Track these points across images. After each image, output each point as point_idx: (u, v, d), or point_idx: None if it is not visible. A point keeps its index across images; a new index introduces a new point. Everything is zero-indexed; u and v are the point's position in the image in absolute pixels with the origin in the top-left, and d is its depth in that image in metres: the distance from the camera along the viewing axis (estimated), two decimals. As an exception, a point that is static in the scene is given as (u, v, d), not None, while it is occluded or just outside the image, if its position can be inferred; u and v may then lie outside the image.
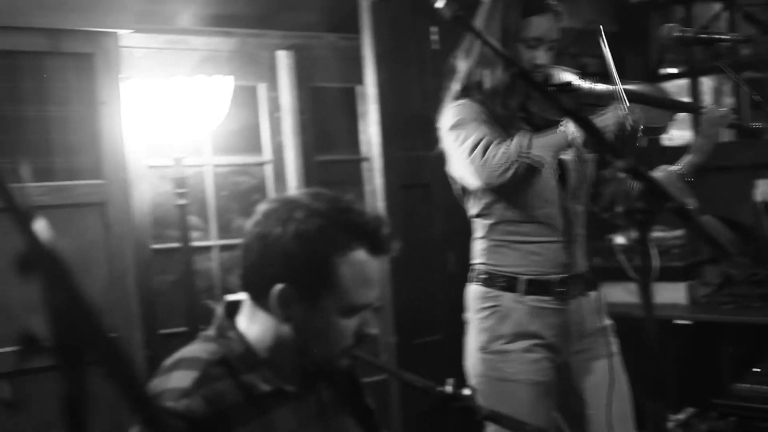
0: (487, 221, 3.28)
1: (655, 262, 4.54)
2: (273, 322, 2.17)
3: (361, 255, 2.14)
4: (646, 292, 2.01)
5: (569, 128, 3.02)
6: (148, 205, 4.37)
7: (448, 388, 2.29)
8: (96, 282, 3.99)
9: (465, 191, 3.31)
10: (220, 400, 2.09)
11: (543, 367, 3.19)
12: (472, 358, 3.26)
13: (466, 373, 3.26)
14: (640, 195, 1.95)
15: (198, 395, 2.07)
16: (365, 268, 2.15)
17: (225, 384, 2.12)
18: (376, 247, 2.17)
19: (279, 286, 2.11)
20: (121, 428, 2.13)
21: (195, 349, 2.20)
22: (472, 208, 3.33)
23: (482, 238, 3.30)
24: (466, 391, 2.30)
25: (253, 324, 2.20)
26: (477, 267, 3.30)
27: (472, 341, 3.26)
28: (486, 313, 3.22)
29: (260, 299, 2.17)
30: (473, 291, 3.29)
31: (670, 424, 2.46)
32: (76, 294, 1.06)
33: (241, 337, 2.20)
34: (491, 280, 3.23)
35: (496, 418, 2.30)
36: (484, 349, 3.22)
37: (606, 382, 3.21)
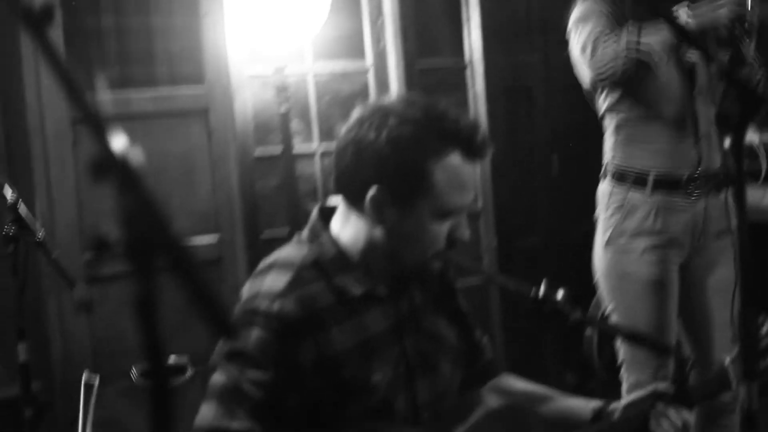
0: (615, 119, 3.28)
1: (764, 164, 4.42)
2: (366, 225, 2.20)
3: (455, 159, 2.15)
4: (740, 196, 1.97)
5: (681, 15, 2.98)
6: (250, 111, 4.43)
7: (540, 292, 2.29)
8: (200, 187, 4.09)
9: (594, 89, 3.30)
10: (313, 302, 2.14)
11: (665, 266, 3.19)
12: (597, 255, 3.29)
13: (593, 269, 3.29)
14: (735, 97, 1.91)
15: (291, 297, 2.12)
16: (459, 173, 2.16)
17: (317, 286, 2.17)
18: (471, 152, 2.17)
19: (373, 189, 2.14)
20: (191, 334, 2.20)
21: (288, 252, 2.25)
22: (601, 105, 3.33)
23: (611, 135, 3.31)
24: (559, 295, 2.30)
25: (346, 227, 2.24)
26: (607, 164, 3.32)
27: (599, 238, 3.29)
28: (613, 209, 3.24)
29: (354, 202, 2.20)
30: (602, 188, 3.30)
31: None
32: (147, 199, 1.09)
33: (333, 241, 2.23)
34: (620, 177, 3.25)
35: (587, 322, 2.30)
36: (608, 245, 3.23)
37: (730, 282, 3.19)
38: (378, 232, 2.19)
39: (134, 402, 3.56)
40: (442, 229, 2.20)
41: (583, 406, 2.37)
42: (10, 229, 2.92)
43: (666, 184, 3.18)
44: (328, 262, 2.20)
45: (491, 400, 2.31)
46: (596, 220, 3.33)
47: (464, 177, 2.17)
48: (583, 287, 4.54)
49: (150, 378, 1.13)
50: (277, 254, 2.26)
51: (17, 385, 2.94)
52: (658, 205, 3.18)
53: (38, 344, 3.88)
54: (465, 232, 2.24)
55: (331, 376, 2.14)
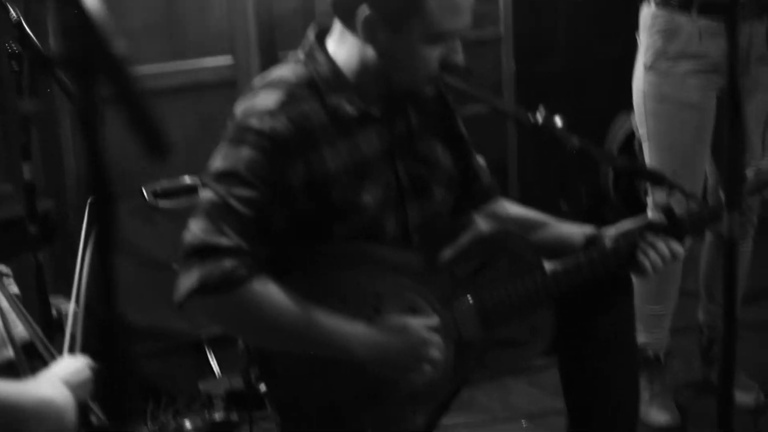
0: None
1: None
2: (359, 44, 2.16)
3: None
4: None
5: None
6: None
7: (539, 118, 2.27)
8: (214, 5, 4.03)
9: None
10: (305, 121, 2.13)
11: (706, 92, 3.13)
12: (637, 77, 3.22)
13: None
14: None
15: (283, 115, 2.11)
16: None
17: (310, 105, 2.15)
18: None
19: (364, 9, 2.10)
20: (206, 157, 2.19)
21: (283, 70, 2.23)
22: None
23: None
24: (558, 122, 2.27)
25: (341, 47, 2.21)
26: None
27: (640, 60, 3.22)
28: (656, 32, 3.16)
29: (347, 22, 2.17)
30: (646, 11, 3.21)
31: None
32: (88, 16, 1.07)
33: (329, 60, 2.20)
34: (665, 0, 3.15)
35: (586, 149, 2.26)
36: (650, 68, 3.17)
37: (766, 108, 3.14)
38: (369, 52, 2.16)
39: (146, 221, 3.60)
40: (435, 53, 2.16)
41: (577, 232, 2.37)
42: (14, 47, 2.90)
43: (712, 7, 3.08)
44: (323, 81, 2.18)
45: (482, 225, 2.30)
46: (638, 43, 3.25)
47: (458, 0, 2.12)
48: (604, 114, 4.52)
49: (93, 198, 1.13)
50: (272, 73, 2.24)
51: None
52: (702, 29, 3.10)
53: (51, 164, 3.91)
54: (458, 57, 2.20)
55: (320, 195, 2.14)
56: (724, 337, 1.83)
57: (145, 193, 3.73)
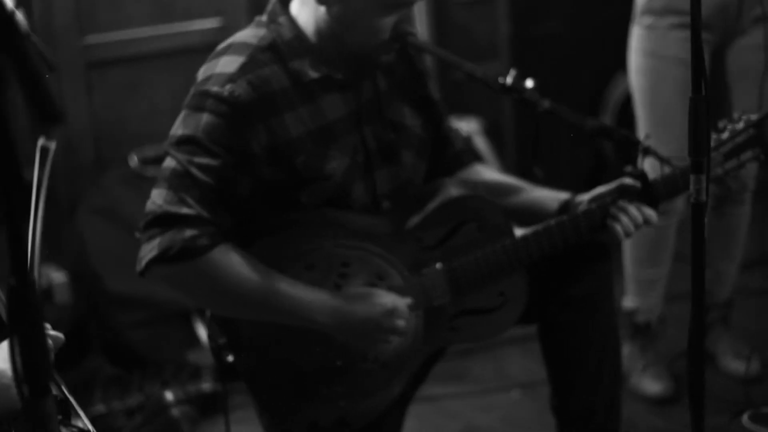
0: None
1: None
2: (316, 7, 2.11)
3: None
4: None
5: None
6: None
7: (509, 79, 2.21)
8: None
9: None
10: (267, 85, 2.07)
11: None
12: (631, 34, 3.13)
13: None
14: None
15: (243, 80, 2.06)
16: None
17: (272, 69, 2.10)
18: None
19: None
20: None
21: (245, 34, 2.17)
22: None
23: None
24: (528, 83, 2.22)
25: (303, 10, 2.15)
26: None
27: (634, 16, 3.13)
28: None
29: None
30: None
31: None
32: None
33: (292, 23, 2.15)
34: None
35: (555, 111, 2.20)
36: (636, 22, 3.09)
37: (758, 68, 3.04)
38: (324, 16, 2.10)
39: (132, 188, 3.55)
40: (387, 20, 2.13)
41: (551, 198, 2.31)
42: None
43: None
44: (285, 45, 2.12)
45: (452, 190, 2.24)
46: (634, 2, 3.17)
47: None
48: (601, 76, 4.43)
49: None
50: (234, 37, 2.18)
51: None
52: None
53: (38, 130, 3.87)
54: (412, 27, 2.15)
55: (284, 162, 2.09)
56: (692, 309, 1.77)
57: (131, 160, 3.69)
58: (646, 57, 3.06)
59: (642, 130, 3.12)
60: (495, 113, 4.34)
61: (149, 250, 2.01)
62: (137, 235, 2.07)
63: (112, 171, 3.71)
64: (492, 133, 4.31)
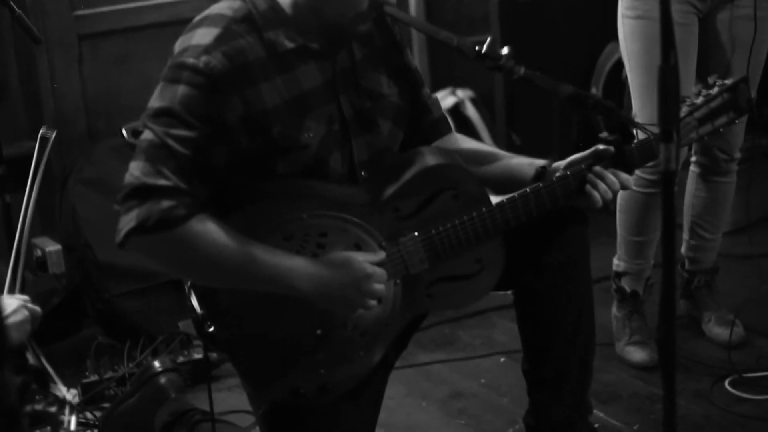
0: None
1: None
2: None
3: None
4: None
5: None
6: None
7: (484, 47, 2.22)
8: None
9: None
10: (242, 56, 2.09)
11: (683, 10, 3.02)
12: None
13: None
14: None
15: (218, 51, 2.07)
16: None
17: (247, 40, 2.11)
18: None
19: None
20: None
21: (221, 6, 2.18)
22: None
23: None
24: (503, 51, 2.23)
25: None
26: None
27: None
28: None
29: None
30: None
31: None
32: None
33: None
34: None
35: (529, 78, 2.21)
36: None
37: (750, 35, 3.04)
38: None
39: (124, 160, 3.57)
40: None
41: (528, 165, 2.32)
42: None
43: None
44: (260, 16, 2.14)
45: (429, 159, 2.26)
46: None
47: None
48: (592, 45, 4.43)
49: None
50: (209, 9, 2.19)
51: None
52: None
53: (30, 104, 3.90)
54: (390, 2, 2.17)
55: (260, 132, 2.11)
56: (663, 278, 1.79)
57: (124, 132, 3.72)
58: (638, 19, 3.06)
59: (635, 95, 3.14)
60: (486, 83, 4.35)
61: (127, 221, 2.03)
62: (116, 207, 2.09)
63: (103, 143, 3.74)
64: (483, 103, 4.32)
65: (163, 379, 2.78)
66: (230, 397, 3.14)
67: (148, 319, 3.49)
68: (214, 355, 3.22)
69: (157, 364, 2.85)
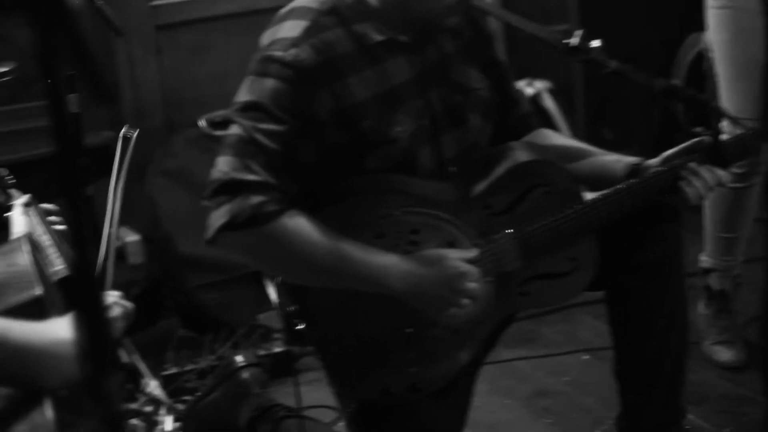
0: None
1: None
2: None
3: None
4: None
5: None
6: None
7: (574, 40, 2.17)
8: None
9: None
10: (330, 49, 2.06)
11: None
12: None
13: None
14: None
15: (307, 44, 2.04)
16: None
17: (336, 33, 2.08)
18: None
19: None
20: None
21: None
22: None
23: None
24: (594, 44, 2.17)
25: None
26: None
27: None
28: None
29: None
30: None
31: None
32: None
33: None
34: None
35: (622, 72, 2.16)
36: None
37: None
38: None
39: (202, 151, 3.57)
40: None
41: (619, 162, 2.26)
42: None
43: None
44: (347, 8, 2.10)
45: (520, 155, 2.21)
46: None
47: None
48: (673, 35, 4.33)
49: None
50: (295, 1, 2.16)
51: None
52: None
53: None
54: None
55: (348, 126, 2.08)
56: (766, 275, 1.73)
57: (201, 123, 3.71)
58: (722, 11, 2.98)
59: (723, 87, 3.05)
60: (564, 75, 4.27)
61: (218, 217, 2.01)
62: (203, 202, 2.07)
63: (181, 134, 3.73)
64: (561, 94, 4.25)
65: (245, 374, 2.76)
66: (311, 392, 3.10)
67: (228, 311, 3.48)
68: (295, 349, 3.19)
69: (239, 358, 2.83)
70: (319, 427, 2.70)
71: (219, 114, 3.65)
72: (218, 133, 3.59)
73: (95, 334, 1.12)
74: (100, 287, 1.18)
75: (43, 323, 1.64)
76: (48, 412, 1.47)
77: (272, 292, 3.47)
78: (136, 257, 3.76)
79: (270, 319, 3.38)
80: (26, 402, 1.48)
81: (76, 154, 1.11)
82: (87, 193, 3.04)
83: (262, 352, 3.25)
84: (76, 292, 1.13)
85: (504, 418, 3.00)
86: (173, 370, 3.21)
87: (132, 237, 3.77)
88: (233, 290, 3.53)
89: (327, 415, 2.94)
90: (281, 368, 3.19)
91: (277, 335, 3.32)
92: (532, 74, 4.29)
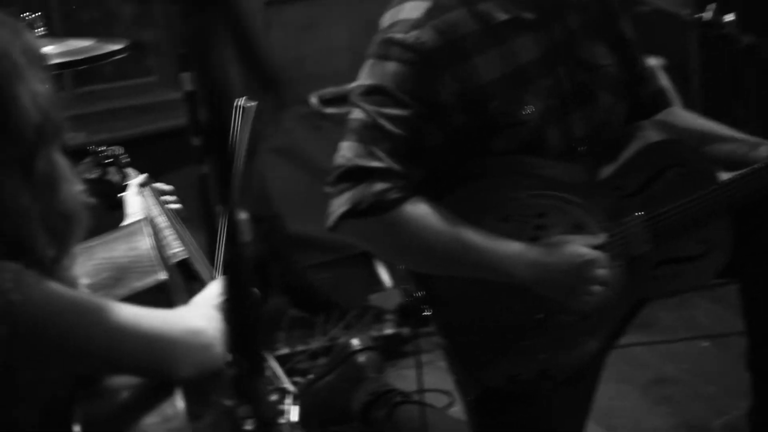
0: None
1: None
2: None
3: None
4: None
5: None
6: None
7: (707, 15, 2.08)
8: None
9: None
10: (453, 30, 1.99)
11: None
12: None
13: None
14: None
15: (429, 26, 1.98)
16: None
17: (459, 13, 2.01)
18: None
19: None
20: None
21: None
22: None
23: None
24: (727, 18, 2.08)
25: None
26: None
27: None
28: None
29: None
30: None
31: None
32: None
33: None
34: None
35: (759, 47, 2.05)
36: None
37: None
38: None
39: (312, 129, 3.54)
40: None
41: (756, 143, 2.16)
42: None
43: None
44: None
45: (652, 135, 2.12)
46: None
47: None
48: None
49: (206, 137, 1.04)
50: None
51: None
52: None
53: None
54: None
55: (476, 109, 2.01)
56: None
57: (311, 100, 3.67)
58: None
59: None
60: (679, 50, 4.13)
61: (340, 204, 1.97)
62: (326, 189, 2.02)
63: (291, 111, 3.70)
64: (675, 70, 4.11)
65: (362, 358, 2.73)
66: (423, 375, 3.06)
67: (338, 292, 3.45)
68: (405, 330, 3.15)
69: (356, 342, 2.80)
70: (435, 414, 2.65)
71: (329, 91, 3.60)
72: (329, 110, 3.56)
73: (246, 331, 1.09)
74: (251, 284, 1.14)
75: (174, 312, 1.61)
76: (179, 403, 1.44)
77: (383, 273, 3.45)
78: (244, 236, 3.75)
79: (382, 299, 3.33)
80: (157, 393, 1.45)
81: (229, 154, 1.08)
82: (203, 172, 3.03)
83: (374, 334, 3.22)
84: (228, 289, 1.10)
85: (621, 405, 2.92)
86: (285, 351, 3.19)
87: (240, 214, 3.75)
88: (344, 270, 3.50)
89: (439, 400, 2.89)
90: (393, 350, 3.16)
91: (389, 317, 3.27)
92: (646, 50, 4.16)
